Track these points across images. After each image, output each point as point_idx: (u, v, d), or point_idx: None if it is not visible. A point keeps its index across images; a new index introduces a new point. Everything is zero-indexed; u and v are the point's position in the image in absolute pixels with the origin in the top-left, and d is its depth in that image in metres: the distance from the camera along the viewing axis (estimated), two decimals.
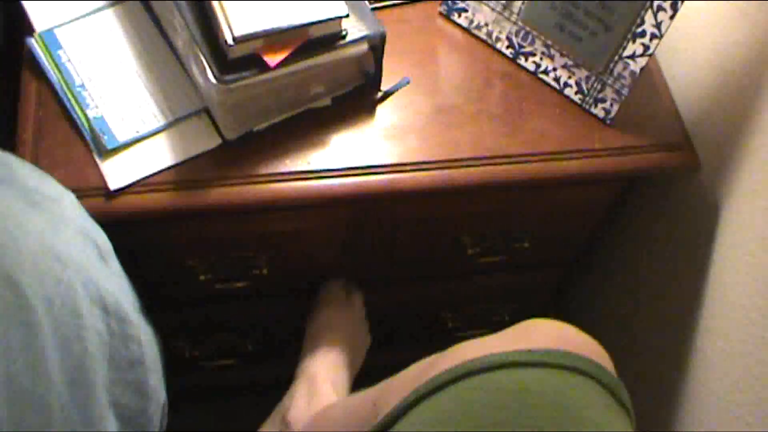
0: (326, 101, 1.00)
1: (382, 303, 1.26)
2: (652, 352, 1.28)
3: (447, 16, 1.11)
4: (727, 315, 1.07)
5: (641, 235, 1.29)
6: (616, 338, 1.38)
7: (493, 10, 1.07)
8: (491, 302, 1.36)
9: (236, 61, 0.89)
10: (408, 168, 0.97)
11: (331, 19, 0.91)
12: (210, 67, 0.89)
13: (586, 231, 1.23)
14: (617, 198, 1.17)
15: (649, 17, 0.98)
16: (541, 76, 1.07)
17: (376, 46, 0.96)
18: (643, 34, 0.99)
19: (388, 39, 0.96)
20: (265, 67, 0.89)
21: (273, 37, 0.89)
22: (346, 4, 0.92)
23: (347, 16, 0.91)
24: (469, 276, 1.27)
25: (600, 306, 1.47)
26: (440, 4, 1.10)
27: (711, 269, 1.10)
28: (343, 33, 0.93)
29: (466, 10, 1.09)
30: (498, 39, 1.08)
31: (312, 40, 0.91)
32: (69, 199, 0.84)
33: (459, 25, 1.10)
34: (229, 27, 0.87)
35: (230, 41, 0.87)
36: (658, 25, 0.98)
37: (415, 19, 1.09)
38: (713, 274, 1.10)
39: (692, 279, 1.14)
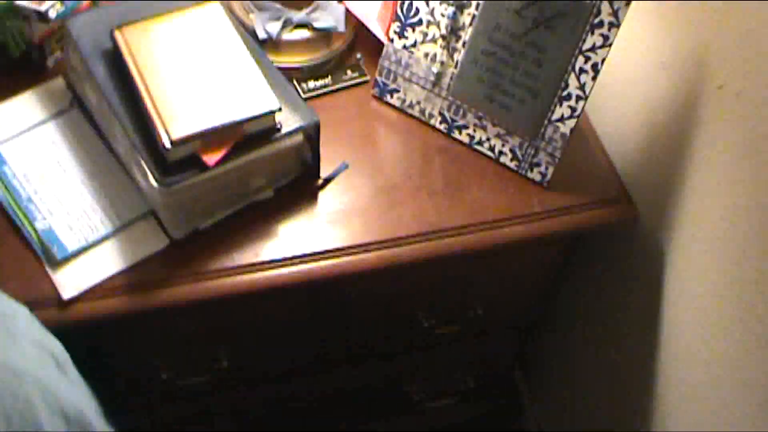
0: (269, 193, 1.04)
1: (344, 381, 1.30)
2: (614, 401, 1.31)
3: (380, 98, 1.15)
4: (683, 359, 1.11)
5: (596, 287, 1.34)
6: (578, 389, 1.42)
7: (423, 88, 1.12)
8: (454, 371, 1.40)
9: (176, 163, 0.94)
10: (354, 251, 1.01)
11: (264, 114, 0.96)
12: (151, 171, 0.94)
13: (539, 291, 1.28)
14: (566, 256, 1.22)
15: (572, 80, 1.03)
16: (477, 147, 1.11)
17: (312, 135, 1.01)
18: (568, 97, 1.04)
19: (324, 126, 1.01)
20: (204, 167, 0.94)
21: (210, 137, 0.94)
22: (279, 96, 0.97)
23: (280, 109, 0.96)
24: (428, 348, 1.31)
25: (561, 361, 1.51)
26: (372, 87, 1.15)
27: (664, 315, 1.14)
28: (278, 126, 0.98)
29: (398, 90, 1.13)
30: (431, 115, 1.13)
31: (248, 136, 0.96)
32: (23, 313, 0.86)
33: (392, 106, 1.14)
34: (166, 131, 0.93)
35: (168, 145, 0.92)
36: (582, 87, 1.03)
37: (349, 104, 1.14)
38: (666, 320, 1.14)
39: (647, 326, 1.17)
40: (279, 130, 0.98)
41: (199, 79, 0.96)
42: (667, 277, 1.12)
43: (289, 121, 0.98)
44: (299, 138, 1.00)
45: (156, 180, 0.93)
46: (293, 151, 1.01)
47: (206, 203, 0.99)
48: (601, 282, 1.31)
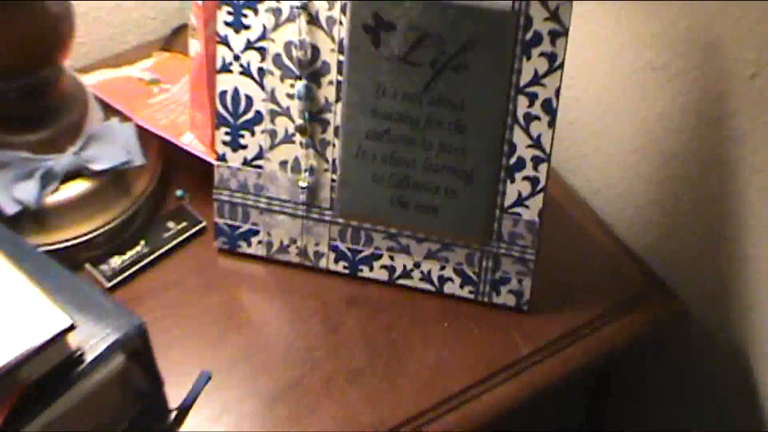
0: None
1: None
2: None
3: (231, 251, 1.10)
4: None
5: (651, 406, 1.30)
6: None
7: (294, 215, 1.06)
8: None
9: None
10: None
11: (49, 343, 0.83)
12: None
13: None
14: (596, 391, 1.21)
15: (519, 137, 0.98)
16: (402, 281, 1.07)
17: (138, 348, 0.90)
18: (521, 164, 0.99)
19: (159, 321, 1.00)
20: None
21: None
22: (66, 304, 0.86)
23: (72, 327, 0.84)
24: None
25: None
26: (215, 237, 1.10)
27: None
28: (78, 353, 0.87)
29: (256, 231, 1.08)
30: (319, 254, 1.08)
31: (34, 384, 0.85)
32: None
33: (254, 257, 1.10)
34: None
35: None
36: (537, 142, 0.98)
37: (186, 275, 1.08)
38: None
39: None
40: (82, 358, 0.86)
41: None
42: (752, 371, 1.09)
43: (94, 338, 0.87)
44: (119, 360, 0.89)
45: None
46: (116, 382, 0.90)
47: None
48: (663, 390, 1.26)
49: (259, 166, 1.05)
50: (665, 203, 1.10)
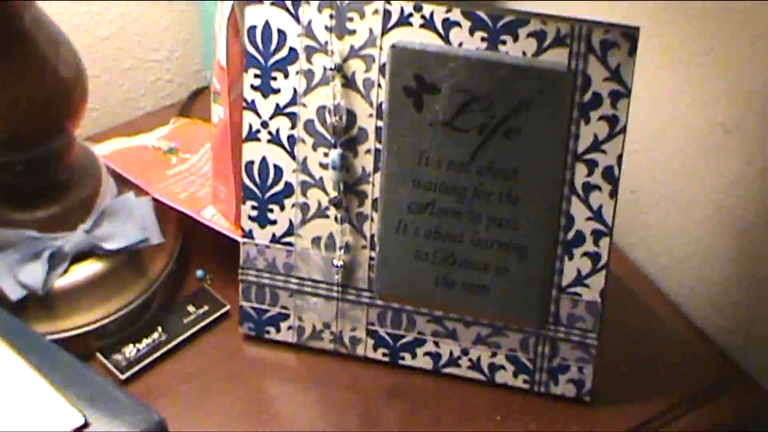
0: None
1: None
2: None
3: (258, 338, 1.09)
4: None
5: None
6: None
7: (328, 298, 1.05)
8: None
9: None
10: None
11: None
12: None
13: None
14: None
15: (577, 209, 0.97)
16: (449, 370, 1.06)
17: None
18: (579, 239, 0.98)
19: (179, 417, 0.98)
20: None
21: None
22: (76, 398, 0.86)
23: (86, 425, 0.83)
24: None
25: None
26: (240, 323, 1.09)
27: None
28: None
29: (286, 316, 1.07)
30: (356, 340, 1.07)
31: None
32: None
33: (284, 344, 1.09)
34: None
35: None
36: (597, 215, 0.97)
37: (208, 364, 1.08)
38: None
39: None
40: None
41: None
42: None
43: None
44: None
45: None
46: None
47: None
48: None
49: (290, 244, 1.04)
50: (742, 280, 1.08)
